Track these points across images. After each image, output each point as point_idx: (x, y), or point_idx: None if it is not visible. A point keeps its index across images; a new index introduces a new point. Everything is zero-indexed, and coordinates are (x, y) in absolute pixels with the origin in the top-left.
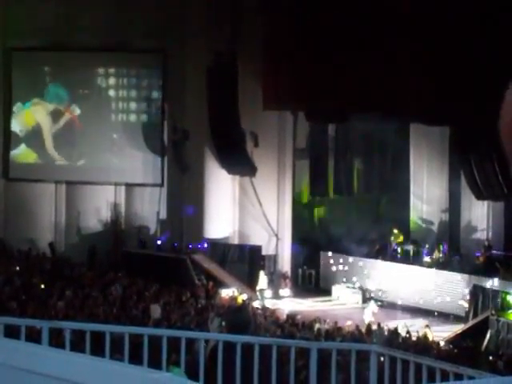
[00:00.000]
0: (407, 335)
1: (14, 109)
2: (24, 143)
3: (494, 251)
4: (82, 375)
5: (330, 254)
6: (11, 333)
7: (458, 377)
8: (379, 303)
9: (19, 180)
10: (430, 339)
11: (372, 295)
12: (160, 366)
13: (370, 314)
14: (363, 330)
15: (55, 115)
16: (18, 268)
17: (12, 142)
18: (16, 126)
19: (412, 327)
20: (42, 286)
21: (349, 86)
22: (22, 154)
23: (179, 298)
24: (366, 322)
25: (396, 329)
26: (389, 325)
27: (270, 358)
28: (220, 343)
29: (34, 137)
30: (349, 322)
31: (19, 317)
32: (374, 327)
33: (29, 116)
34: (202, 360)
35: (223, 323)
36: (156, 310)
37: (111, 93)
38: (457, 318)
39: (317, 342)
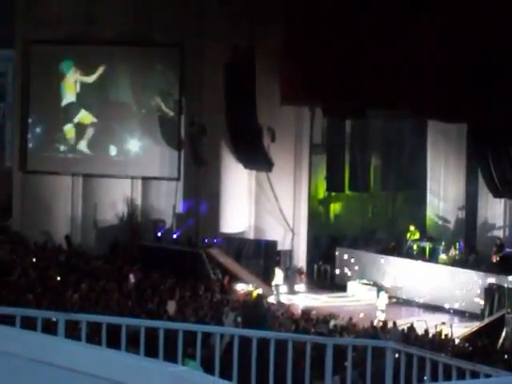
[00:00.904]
0: (424, 332)
1: None
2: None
3: (509, 249)
4: (99, 368)
5: (345, 250)
6: (27, 325)
7: (475, 375)
8: (394, 300)
9: (36, 172)
10: (448, 336)
11: (387, 292)
12: (175, 359)
13: (382, 304)
14: (378, 327)
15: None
16: (34, 260)
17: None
18: None
19: (427, 324)
20: (58, 279)
21: (367, 83)
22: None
23: (194, 292)
24: (379, 310)
25: (411, 326)
26: (404, 322)
27: (286, 352)
28: (236, 338)
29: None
30: (361, 315)
31: (35, 309)
32: (390, 324)
33: None
34: (218, 354)
35: (238, 318)
36: (171, 307)
37: (129, 87)
38: (472, 316)
39: (332, 338)
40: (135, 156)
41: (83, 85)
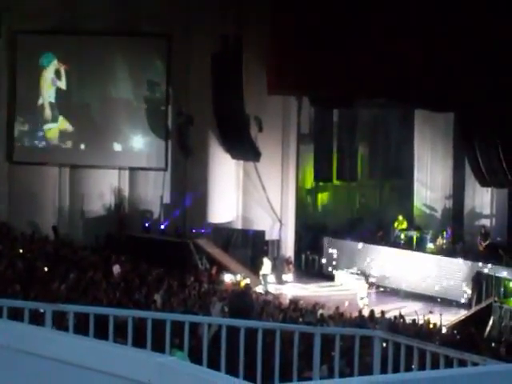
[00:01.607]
0: (412, 321)
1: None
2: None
3: (498, 238)
4: (87, 358)
5: (333, 239)
6: (15, 316)
7: (462, 363)
8: (382, 289)
9: (23, 163)
10: (436, 325)
11: (375, 281)
12: (163, 350)
13: (363, 292)
14: (366, 316)
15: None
16: (21, 251)
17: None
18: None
19: (414, 313)
20: (46, 269)
21: (353, 72)
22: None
23: (182, 282)
24: (360, 297)
25: (399, 315)
26: (392, 311)
27: (273, 342)
28: (224, 327)
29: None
30: (346, 303)
31: (22, 300)
32: (378, 314)
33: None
34: (206, 344)
35: (225, 308)
36: (157, 300)
37: (115, 77)
38: (459, 305)
39: (321, 327)
40: (122, 146)
41: (67, 76)
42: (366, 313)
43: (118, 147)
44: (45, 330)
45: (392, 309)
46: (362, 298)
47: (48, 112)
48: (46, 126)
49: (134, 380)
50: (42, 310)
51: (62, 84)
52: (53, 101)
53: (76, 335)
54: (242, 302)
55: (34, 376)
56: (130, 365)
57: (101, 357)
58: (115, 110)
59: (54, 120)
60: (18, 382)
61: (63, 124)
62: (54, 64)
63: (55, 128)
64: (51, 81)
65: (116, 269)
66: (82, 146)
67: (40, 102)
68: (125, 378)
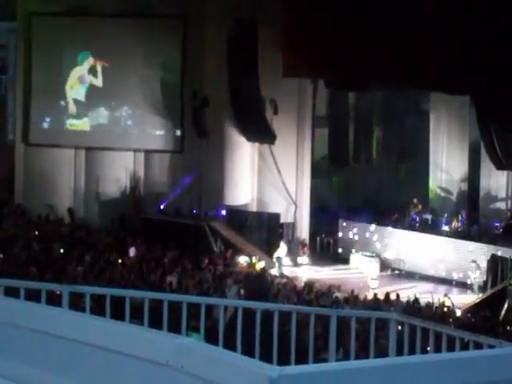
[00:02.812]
0: (427, 304)
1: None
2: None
3: None
4: (105, 339)
5: (348, 222)
6: (31, 297)
7: (478, 346)
8: (397, 272)
9: (39, 145)
10: (450, 308)
11: (390, 264)
12: (179, 332)
13: (374, 273)
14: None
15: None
16: (36, 233)
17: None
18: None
19: (430, 296)
20: (61, 251)
21: (369, 55)
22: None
23: (197, 264)
24: (371, 278)
25: (415, 298)
26: (406, 293)
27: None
28: (240, 310)
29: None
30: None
31: (39, 281)
32: (393, 296)
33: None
34: (222, 326)
35: (241, 290)
36: (173, 280)
37: (131, 59)
38: (474, 288)
39: (336, 310)
40: (138, 129)
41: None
42: (377, 295)
43: (133, 129)
44: (62, 310)
45: (401, 288)
46: (372, 279)
47: (72, 108)
48: (70, 121)
49: (153, 361)
50: (58, 292)
51: (98, 81)
52: (79, 98)
53: (94, 316)
54: (259, 285)
55: (51, 357)
56: (148, 346)
57: (119, 338)
58: (130, 92)
59: (78, 117)
60: (37, 363)
61: (86, 125)
62: (89, 62)
63: (78, 125)
64: (79, 79)
65: (132, 251)
66: (99, 128)
67: (64, 93)
68: (143, 359)
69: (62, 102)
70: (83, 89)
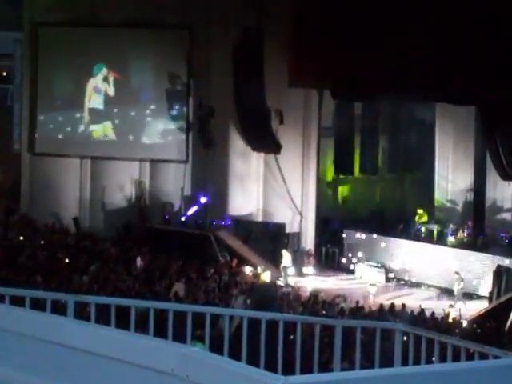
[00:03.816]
0: (431, 315)
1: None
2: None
3: None
4: (110, 348)
5: (353, 232)
6: (37, 307)
7: (483, 356)
8: (402, 282)
9: (44, 155)
10: (456, 319)
11: (395, 275)
12: (184, 341)
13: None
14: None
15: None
16: (42, 242)
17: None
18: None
19: (435, 307)
20: (67, 261)
21: (375, 66)
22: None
23: (202, 274)
24: (370, 284)
25: (420, 308)
26: (412, 304)
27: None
28: (245, 320)
29: None
30: (371, 297)
31: (44, 290)
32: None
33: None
34: (227, 336)
35: (248, 301)
36: (180, 289)
37: (138, 69)
38: (480, 299)
39: (342, 320)
40: (143, 138)
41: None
42: (383, 305)
43: (139, 139)
44: (68, 319)
45: (401, 295)
46: (371, 285)
47: (86, 116)
48: (92, 127)
49: (157, 370)
50: (63, 301)
51: (110, 90)
52: (97, 107)
53: (99, 325)
54: (266, 295)
55: (56, 366)
56: (153, 355)
57: (124, 347)
58: (136, 102)
59: (97, 122)
60: (42, 372)
61: (107, 128)
62: (103, 72)
63: (99, 130)
64: (95, 89)
65: (138, 261)
66: (105, 138)
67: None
68: (148, 368)
69: (70, 112)
70: (100, 97)
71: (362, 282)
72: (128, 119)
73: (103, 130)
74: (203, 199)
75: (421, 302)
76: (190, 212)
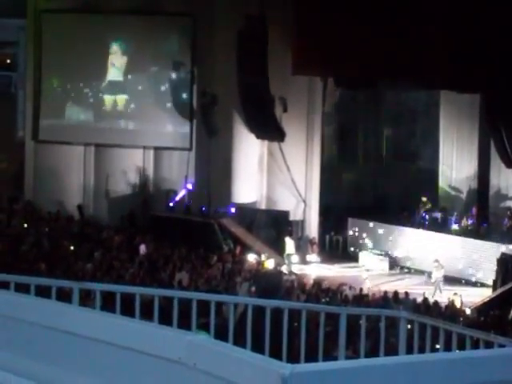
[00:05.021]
0: (435, 303)
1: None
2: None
3: None
4: (116, 336)
5: (357, 220)
6: (41, 294)
7: (489, 345)
8: (406, 270)
9: (48, 142)
10: (460, 307)
11: (399, 262)
12: (189, 329)
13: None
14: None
15: None
16: (46, 230)
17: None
18: None
19: (439, 294)
20: (71, 248)
21: (379, 53)
22: None
23: (206, 261)
24: (364, 269)
25: (424, 296)
26: (416, 292)
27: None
28: (249, 307)
29: None
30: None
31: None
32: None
33: None
34: (232, 324)
35: (252, 288)
36: (184, 277)
37: (141, 56)
38: (484, 286)
39: (346, 308)
40: (147, 126)
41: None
42: (387, 293)
43: (143, 127)
44: (73, 306)
45: (416, 290)
46: (367, 270)
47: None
48: (106, 96)
49: (164, 358)
50: (68, 289)
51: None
52: (116, 79)
53: (105, 313)
54: (271, 283)
55: (63, 354)
56: (159, 343)
57: (130, 335)
58: (140, 89)
59: (114, 94)
60: (48, 359)
61: (123, 100)
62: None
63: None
64: (110, 63)
65: (142, 248)
66: (108, 125)
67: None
68: (155, 356)
69: (74, 99)
70: (116, 70)
71: (366, 270)
72: (131, 106)
73: (120, 101)
74: (189, 186)
75: (416, 288)
76: (178, 197)
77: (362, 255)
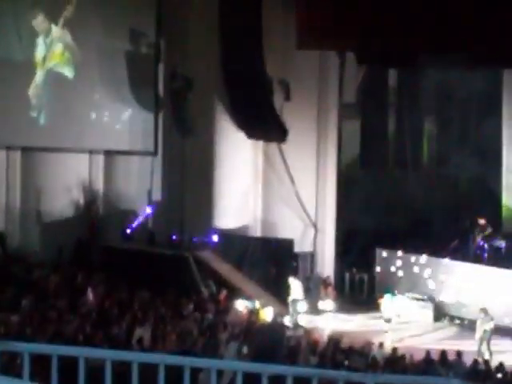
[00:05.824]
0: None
1: None
2: None
3: None
4: None
5: (388, 251)
6: None
7: None
8: (457, 321)
9: None
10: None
11: (447, 310)
12: None
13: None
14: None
15: None
16: None
17: None
18: None
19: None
20: None
21: (418, 17)
22: None
23: (178, 311)
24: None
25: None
26: (470, 350)
27: None
28: (239, 375)
29: None
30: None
31: None
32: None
33: None
34: None
35: (243, 348)
36: (146, 333)
37: (86, 26)
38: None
39: (373, 375)
40: (95, 121)
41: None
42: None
43: (89, 122)
44: None
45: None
46: (386, 321)
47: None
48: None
49: None
50: None
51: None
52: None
53: None
54: (270, 340)
55: None
56: None
57: None
58: (86, 70)
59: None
60: None
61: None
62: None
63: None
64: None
65: (88, 294)
66: (41, 121)
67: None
68: None
69: None
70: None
71: (402, 322)
72: (73, 94)
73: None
74: (148, 210)
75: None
76: (138, 222)
77: (396, 300)
